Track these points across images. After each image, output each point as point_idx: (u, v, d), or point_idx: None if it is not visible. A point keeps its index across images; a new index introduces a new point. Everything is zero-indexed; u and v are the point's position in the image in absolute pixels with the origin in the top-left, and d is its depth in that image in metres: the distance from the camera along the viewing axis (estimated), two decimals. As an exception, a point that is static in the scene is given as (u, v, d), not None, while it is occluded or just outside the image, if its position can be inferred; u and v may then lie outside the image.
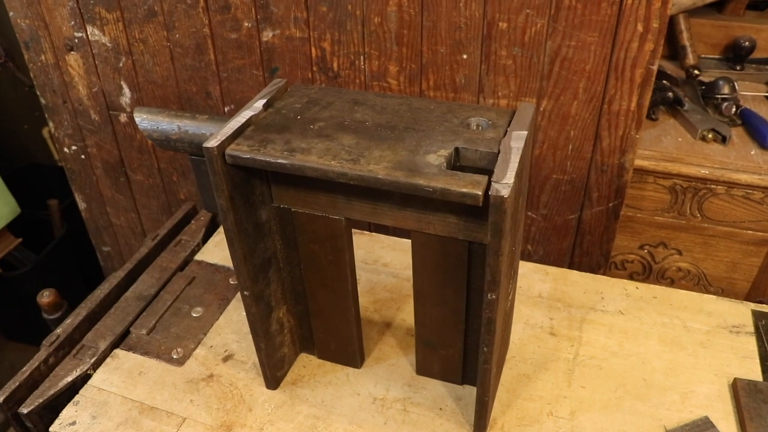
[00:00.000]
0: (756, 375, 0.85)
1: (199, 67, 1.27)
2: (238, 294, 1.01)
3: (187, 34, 1.23)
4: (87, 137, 1.48)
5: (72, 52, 1.35)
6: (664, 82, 1.40)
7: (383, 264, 1.06)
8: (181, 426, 0.81)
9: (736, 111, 1.32)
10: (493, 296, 0.63)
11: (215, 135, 0.65)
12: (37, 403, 0.84)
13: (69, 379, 0.87)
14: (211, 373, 0.88)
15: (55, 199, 1.88)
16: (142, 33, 1.27)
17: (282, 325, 0.84)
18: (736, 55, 1.49)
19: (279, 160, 0.62)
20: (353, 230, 0.86)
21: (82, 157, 1.53)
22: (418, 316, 0.79)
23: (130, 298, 1.01)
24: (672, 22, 1.49)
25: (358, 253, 1.07)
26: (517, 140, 0.61)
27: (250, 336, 0.81)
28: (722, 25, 1.53)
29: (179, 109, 1.06)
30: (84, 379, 0.88)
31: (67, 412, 0.84)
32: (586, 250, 1.25)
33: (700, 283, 1.37)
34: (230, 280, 1.04)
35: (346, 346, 0.86)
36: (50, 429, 0.82)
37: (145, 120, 0.75)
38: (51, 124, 1.50)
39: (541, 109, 1.10)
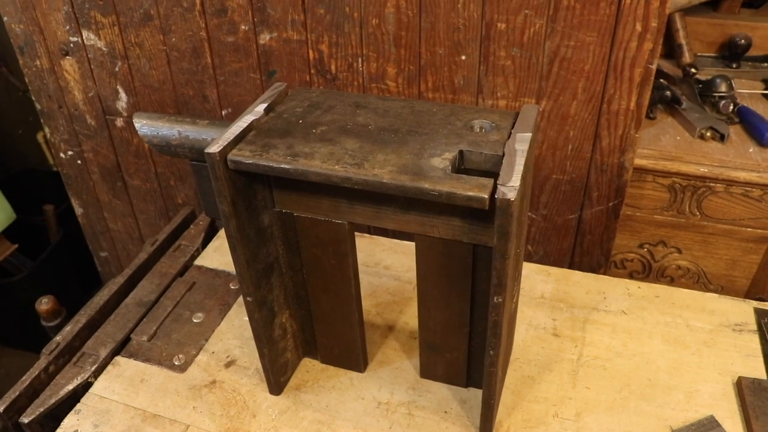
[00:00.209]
0: (760, 373, 0.85)
1: (195, 71, 1.26)
2: (239, 299, 1.00)
3: (184, 37, 1.22)
4: (83, 142, 1.47)
5: (67, 57, 1.34)
6: (662, 80, 1.40)
7: (384, 267, 1.06)
8: (185, 433, 0.80)
9: (733, 109, 1.32)
10: (500, 299, 0.62)
11: (217, 140, 0.64)
12: (38, 412, 0.83)
13: (70, 387, 0.86)
14: (214, 380, 0.87)
15: (51, 204, 1.87)
16: (138, 37, 1.26)
17: (285, 330, 0.83)
18: (732, 53, 1.49)
19: (282, 165, 0.62)
20: (354, 233, 0.86)
21: (79, 162, 1.52)
22: (422, 320, 0.78)
23: (130, 304, 1.00)
24: (668, 21, 1.49)
25: (359, 256, 1.06)
26: (521, 142, 0.61)
27: (252, 341, 0.81)
28: (718, 23, 1.53)
29: (177, 114, 1.05)
30: (85, 387, 0.87)
31: (69, 421, 0.83)
32: (587, 249, 1.25)
33: (699, 281, 1.37)
34: (231, 284, 1.03)
35: (350, 350, 0.85)
36: (52, 438, 0.82)
37: (145, 126, 0.74)
38: (47, 130, 1.49)
39: (540, 109, 1.10)
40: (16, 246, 1.80)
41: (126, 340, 0.94)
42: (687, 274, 1.37)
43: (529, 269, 1.03)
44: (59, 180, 1.62)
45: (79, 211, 1.63)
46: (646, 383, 0.85)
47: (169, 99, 1.32)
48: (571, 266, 1.28)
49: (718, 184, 1.22)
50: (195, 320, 0.97)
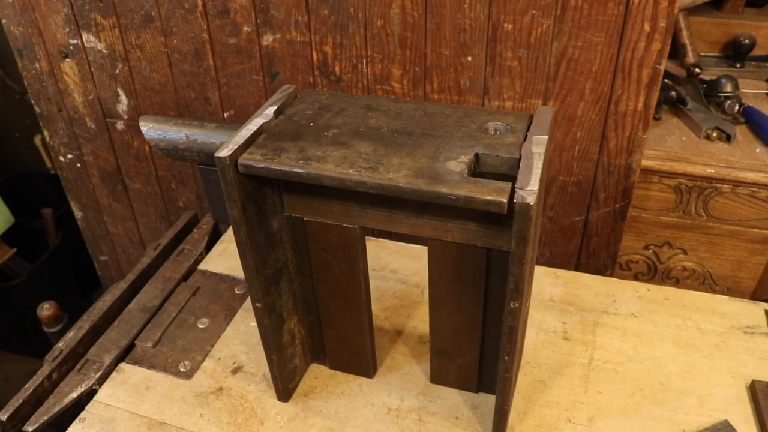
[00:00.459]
0: (773, 376, 0.84)
1: (197, 73, 1.25)
2: (245, 304, 0.99)
3: (185, 39, 1.21)
4: (83, 145, 1.46)
5: (67, 60, 1.32)
6: (667, 80, 1.39)
7: (391, 270, 1.04)
8: (192, 441, 0.79)
9: (739, 109, 1.31)
10: (516, 305, 0.61)
11: (227, 144, 0.63)
12: (42, 421, 0.82)
13: (74, 395, 0.85)
14: (221, 386, 0.86)
15: (49, 207, 1.86)
16: (138, 39, 1.24)
17: (293, 336, 0.82)
18: (736, 52, 1.49)
19: (295, 170, 0.61)
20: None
21: (78, 165, 1.50)
22: (434, 325, 0.77)
23: (133, 309, 0.98)
24: (671, 21, 1.49)
25: (365, 259, 1.05)
26: (538, 145, 0.60)
27: (259, 347, 0.80)
28: (721, 23, 1.52)
29: (181, 117, 1.04)
30: (89, 394, 0.86)
31: (74, 430, 0.81)
32: (593, 251, 1.24)
33: (705, 282, 1.36)
34: (236, 289, 1.02)
35: (359, 356, 0.84)
36: (57, 447, 0.80)
37: (151, 129, 0.73)
38: (46, 133, 1.47)
39: (547, 110, 1.09)
40: (15, 250, 1.79)
41: (130, 347, 0.93)
42: (693, 275, 1.36)
43: (536, 272, 1.02)
44: (57, 183, 1.60)
45: (78, 214, 1.62)
46: (659, 387, 0.84)
47: (170, 101, 1.31)
48: (577, 268, 1.28)
49: (724, 185, 1.21)
50: (200, 326, 0.96)
